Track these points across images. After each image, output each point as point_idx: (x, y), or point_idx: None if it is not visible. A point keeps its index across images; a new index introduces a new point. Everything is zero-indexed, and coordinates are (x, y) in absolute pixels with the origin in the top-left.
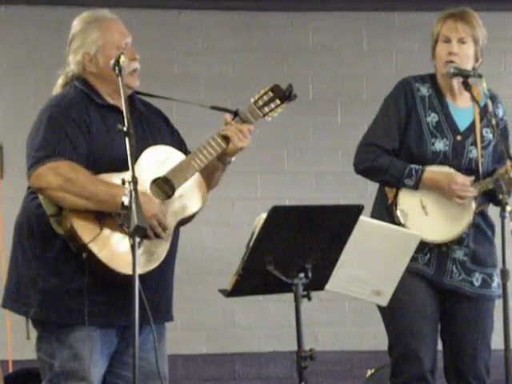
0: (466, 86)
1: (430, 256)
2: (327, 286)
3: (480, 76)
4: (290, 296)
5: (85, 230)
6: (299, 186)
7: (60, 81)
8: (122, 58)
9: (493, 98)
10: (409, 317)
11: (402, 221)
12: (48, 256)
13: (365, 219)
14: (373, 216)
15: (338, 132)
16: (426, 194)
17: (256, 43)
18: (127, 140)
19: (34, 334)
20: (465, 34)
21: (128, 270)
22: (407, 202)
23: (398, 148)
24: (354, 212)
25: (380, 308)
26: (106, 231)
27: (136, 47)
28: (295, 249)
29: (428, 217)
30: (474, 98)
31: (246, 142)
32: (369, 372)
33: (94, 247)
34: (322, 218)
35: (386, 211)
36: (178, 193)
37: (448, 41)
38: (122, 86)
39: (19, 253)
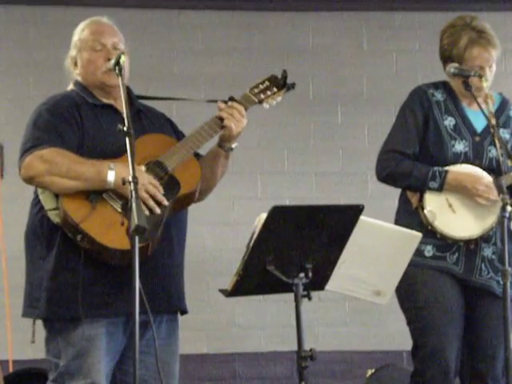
0: (467, 87)
1: (459, 255)
2: (327, 286)
3: (480, 76)
4: (290, 296)
5: (76, 212)
6: (299, 186)
7: (69, 87)
8: (123, 58)
9: (504, 101)
10: (436, 316)
11: (430, 221)
12: (50, 255)
13: (365, 219)
14: (398, 224)
15: (337, 132)
16: (451, 192)
17: (256, 43)
18: (127, 140)
19: (37, 337)
20: (493, 59)
21: (122, 246)
22: (433, 202)
23: (418, 153)
24: (354, 212)
25: (404, 308)
26: (98, 211)
27: (136, 47)
28: (295, 249)
29: (456, 214)
30: (475, 98)
31: (239, 125)
32: (369, 372)
33: (86, 226)
34: (322, 218)
35: (411, 216)
36: (170, 174)
37: (480, 69)
38: (122, 86)
39: (29, 261)
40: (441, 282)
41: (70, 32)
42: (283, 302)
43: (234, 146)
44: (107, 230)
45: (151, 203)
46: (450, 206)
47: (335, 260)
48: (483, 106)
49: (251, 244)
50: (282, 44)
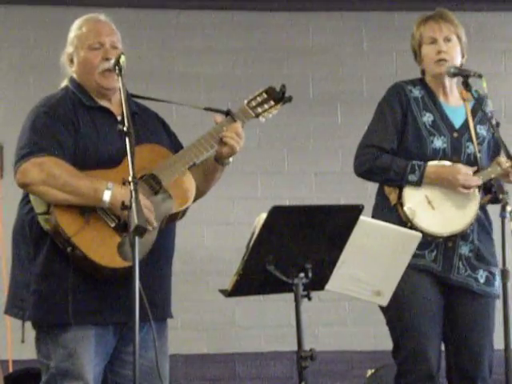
0: (466, 86)
1: (437, 252)
2: (327, 286)
3: (480, 76)
4: (290, 296)
5: (69, 225)
6: (299, 186)
7: (63, 83)
8: (123, 58)
9: (481, 98)
10: (416, 316)
11: (410, 218)
12: (39, 258)
13: (365, 219)
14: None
15: (337, 132)
16: (430, 189)
17: (256, 43)
18: (127, 140)
19: (28, 336)
20: (449, 32)
21: (111, 264)
22: (412, 199)
23: (396, 149)
24: (354, 212)
25: (384, 308)
26: (90, 226)
27: (136, 47)
28: (295, 249)
29: (435, 211)
30: (463, 98)
31: (241, 142)
32: (369, 372)
33: (78, 241)
34: (321, 218)
35: (389, 213)
36: (165, 189)
37: (434, 41)
38: (122, 86)
39: (16, 259)
40: (420, 282)
41: None
42: (283, 301)
43: (231, 159)
44: (99, 246)
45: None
46: (430, 202)
47: (335, 260)
48: (462, 102)
49: (251, 244)
50: (281, 44)
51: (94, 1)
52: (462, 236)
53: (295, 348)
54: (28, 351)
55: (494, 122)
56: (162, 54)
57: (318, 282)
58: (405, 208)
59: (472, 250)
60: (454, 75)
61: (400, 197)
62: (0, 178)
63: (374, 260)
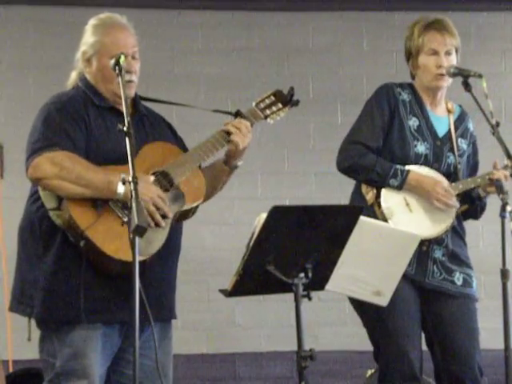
0: (466, 86)
1: (411, 256)
2: (327, 286)
3: (480, 76)
4: (290, 296)
5: (82, 218)
6: (299, 186)
7: (73, 74)
8: (123, 58)
9: (463, 113)
10: (396, 318)
11: (387, 217)
12: (49, 255)
13: (365, 219)
14: None
15: (337, 132)
16: (409, 192)
17: (256, 43)
18: (127, 140)
19: (35, 335)
20: (451, 45)
21: (124, 257)
22: (391, 199)
23: (381, 148)
24: (354, 212)
25: (361, 310)
26: (103, 219)
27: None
28: (295, 249)
29: (413, 213)
30: (448, 109)
31: (245, 140)
32: (369, 372)
33: (91, 234)
34: (321, 218)
35: (365, 211)
36: (176, 187)
37: (435, 53)
38: (122, 86)
39: (22, 256)
40: (398, 284)
41: (70, 32)
42: (283, 301)
43: (239, 163)
44: (112, 239)
45: (158, 217)
46: (408, 205)
47: (335, 260)
48: (446, 113)
49: (251, 244)
50: (282, 44)
51: (95, 1)
52: (437, 240)
53: (295, 348)
54: (29, 351)
55: (493, 121)
56: (161, 54)
57: (318, 282)
58: (383, 207)
59: (445, 254)
60: (453, 75)
61: (378, 196)
62: (0, 178)
63: (373, 260)
